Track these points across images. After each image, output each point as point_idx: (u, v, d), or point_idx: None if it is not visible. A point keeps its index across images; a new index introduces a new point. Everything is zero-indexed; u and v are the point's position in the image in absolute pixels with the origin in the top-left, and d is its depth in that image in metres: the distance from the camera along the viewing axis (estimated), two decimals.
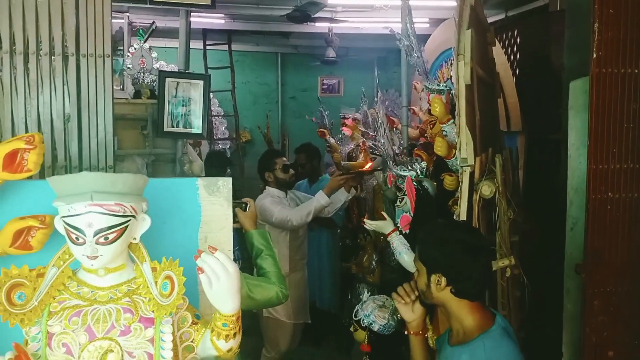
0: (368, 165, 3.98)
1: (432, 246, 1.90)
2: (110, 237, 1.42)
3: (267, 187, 4.17)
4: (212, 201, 1.79)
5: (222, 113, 7.31)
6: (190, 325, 1.54)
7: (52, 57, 2.06)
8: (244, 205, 2.44)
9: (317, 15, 4.72)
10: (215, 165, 5.79)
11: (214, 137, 7.11)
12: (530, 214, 3.62)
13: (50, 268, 1.48)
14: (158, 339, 1.45)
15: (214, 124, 7.14)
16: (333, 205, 4.05)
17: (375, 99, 3.43)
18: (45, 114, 2.07)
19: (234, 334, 1.48)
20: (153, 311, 1.46)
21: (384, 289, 3.95)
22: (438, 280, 1.86)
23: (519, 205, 3.32)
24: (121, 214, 1.43)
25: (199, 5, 4.02)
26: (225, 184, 1.80)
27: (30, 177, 1.60)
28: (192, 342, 1.54)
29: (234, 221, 2.38)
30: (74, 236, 1.41)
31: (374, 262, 4.28)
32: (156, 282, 1.48)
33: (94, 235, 1.41)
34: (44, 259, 1.52)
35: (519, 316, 2.94)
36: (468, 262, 1.83)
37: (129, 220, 1.46)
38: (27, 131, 2.05)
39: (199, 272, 1.42)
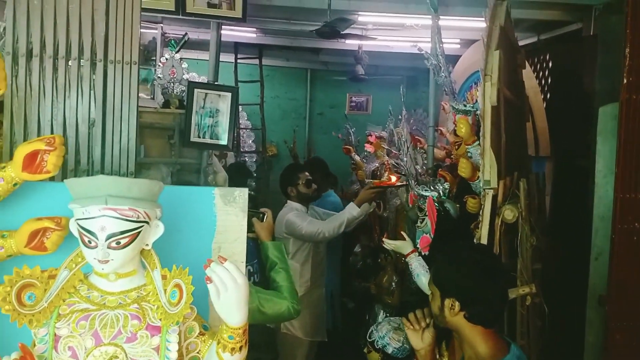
0: (395, 179, 3.95)
1: (445, 269, 1.86)
2: (122, 241, 1.42)
3: (288, 201, 4.17)
4: (228, 211, 1.78)
5: (250, 126, 7.36)
6: (197, 336, 1.53)
7: (81, 62, 2.09)
8: (261, 215, 2.42)
9: (347, 32, 4.72)
10: (235, 176, 5.83)
11: (241, 149, 7.15)
12: (555, 242, 3.54)
13: (62, 270, 1.49)
14: (164, 347, 1.44)
15: (241, 137, 7.18)
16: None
17: (394, 117, 3.40)
18: (70, 117, 2.09)
19: (240, 347, 1.46)
20: (160, 319, 1.45)
21: (402, 311, 3.88)
22: (452, 305, 1.82)
23: (544, 232, 3.24)
24: (134, 219, 1.44)
25: (230, 18, 4.06)
26: (241, 194, 1.80)
27: (52, 179, 1.62)
28: (198, 353, 1.52)
29: (250, 231, 2.37)
30: (86, 239, 1.42)
31: (393, 283, 4.21)
32: (165, 290, 1.47)
33: (106, 239, 1.41)
34: (58, 261, 1.52)
35: (539, 346, 2.86)
36: (482, 286, 1.78)
37: (142, 226, 1.46)
38: (52, 134, 2.07)
39: (207, 281, 1.40)
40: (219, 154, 5.28)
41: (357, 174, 5.23)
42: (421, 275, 2.77)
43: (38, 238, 1.54)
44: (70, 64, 2.08)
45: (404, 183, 3.60)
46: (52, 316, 1.44)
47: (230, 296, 1.41)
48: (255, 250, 2.66)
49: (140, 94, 5.54)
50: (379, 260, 4.37)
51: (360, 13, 4.89)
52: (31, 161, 1.49)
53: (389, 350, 2.66)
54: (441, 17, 4.22)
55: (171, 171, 4.01)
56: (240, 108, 7.14)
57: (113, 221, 1.41)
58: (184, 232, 1.75)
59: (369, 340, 2.74)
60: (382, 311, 3.02)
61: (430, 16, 3.74)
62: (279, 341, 4.03)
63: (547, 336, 2.78)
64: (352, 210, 3.91)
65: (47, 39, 2.06)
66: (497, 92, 2.61)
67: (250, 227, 2.37)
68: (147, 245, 1.51)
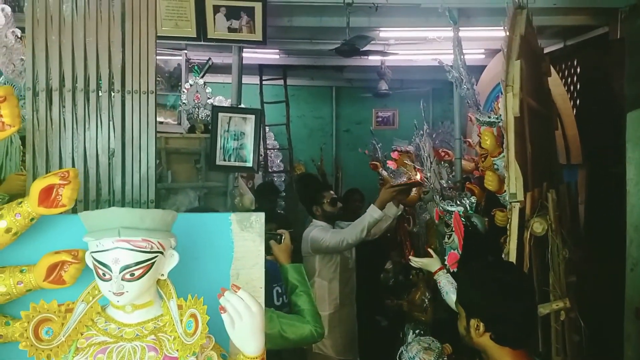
0: (418, 176, 3.85)
1: (468, 288, 1.81)
2: (137, 273, 1.42)
3: (313, 220, 4.15)
4: (245, 237, 1.77)
5: (278, 146, 7.39)
6: None
7: (99, 94, 2.12)
8: (278, 237, 2.39)
9: (368, 48, 4.71)
10: (264, 195, 5.85)
11: (269, 169, 7.18)
12: (590, 253, 3.43)
13: (79, 304, 1.49)
14: None
15: (269, 157, 7.22)
16: (383, 221, 3.95)
17: (419, 132, 3.36)
18: (91, 149, 2.12)
19: None
20: (177, 350, 1.44)
21: (436, 328, 3.81)
22: (477, 325, 1.76)
23: (578, 243, 3.14)
24: (148, 250, 1.43)
25: (251, 42, 4.11)
26: (258, 219, 1.78)
27: (73, 211, 1.63)
28: None
29: (269, 254, 2.35)
30: (100, 272, 1.42)
31: (426, 300, 4.14)
32: (182, 320, 1.46)
33: (120, 272, 1.40)
34: (77, 294, 1.53)
35: None
36: (506, 306, 1.72)
37: (156, 256, 1.45)
38: (73, 165, 2.10)
39: (222, 311, 1.39)
40: (246, 176, 5.32)
41: None
42: (450, 293, 2.71)
43: (57, 272, 1.55)
44: (89, 96, 2.11)
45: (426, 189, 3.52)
46: (70, 350, 1.44)
47: (246, 325, 1.39)
48: (278, 274, 2.64)
49: (167, 120, 5.66)
50: (411, 277, 4.30)
51: (381, 29, 4.89)
52: (47, 195, 1.50)
53: None
54: (464, 28, 4.20)
55: (198, 195, 4.05)
56: (267, 129, 7.19)
57: (126, 253, 1.41)
58: (201, 260, 1.74)
59: None
60: (411, 331, 2.94)
61: (451, 28, 3.72)
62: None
63: (586, 352, 2.68)
64: (373, 213, 3.84)
65: (66, 73, 2.10)
66: (520, 102, 2.55)
67: (269, 250, 2.35)
68: (162, 275, 1.50)
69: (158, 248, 1.45)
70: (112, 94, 2.13)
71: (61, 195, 1.51)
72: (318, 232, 3.93)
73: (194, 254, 1.72)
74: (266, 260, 2.52)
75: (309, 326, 2.21)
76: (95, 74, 2.11)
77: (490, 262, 2.30)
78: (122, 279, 1.41)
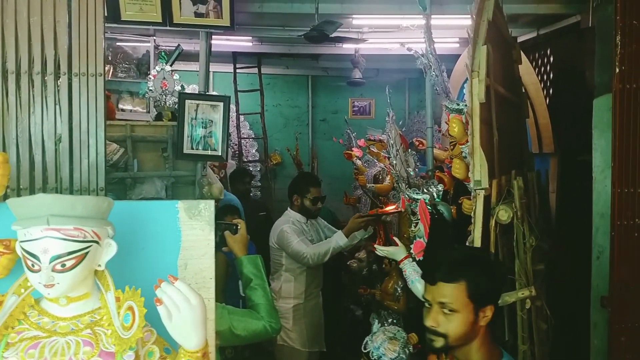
0: (391, 208, 3.82)
1: (478, 277, 1.69)
2: (68, 264, 1.33)
3: (289, 209, 4.08)
4: (193, 225, 1.69)
5: (253, 135, 7.30)
6: None
7: (45, 77, 2.02)
8: (234, 227, 2.31)
9: (342, 35, 4.64)
10: (239, 179, 5.78)
11: (244, 159, 7.10)
12: (560, 242, 3.41)
13: (9, 296, 1.40)
14: None
15: (244, 146, 7.13)
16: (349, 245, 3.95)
17: (387, 119, 3.30)
18: (36, 134, 2.03)
19: None
20: (114, 345, 1.36)
21: (410, 317, 3.77)
22: (485, 314, 1.69)
23: (547, 231, 3.11)
24: (81, 239, 1.35)
25: (218, 27, 4.00)
26: (207, 207, 1.70)
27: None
28: None
29: (224, 245, 2.26)
30: (29, 262, 1.33)
31: (399, 289, 4.10)
32: (119, 313, 1.38)
33: (50, 262, 1.32)
34: (6, 286, 1.44)
35: (545, 350, 2.73)
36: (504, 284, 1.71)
37: (90, 246, 1.37)
38: (18, 152, 2.00)
39: (157, 303, 1.31)
40: (218, 165, 5.23)
41: (359, 179, 5.13)
42: (416, 282, 2.67)
43: None
44: (33, 78, 2.01)
45: (399, 209, 3.49)
46: (0, 345, 1.35)
47: (184, 318, 1.31)
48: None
49: (136, 108, 5.54)
50: (384, 266, 4.26)
51: (353, 16, 4.82)
52: None
53: None
54: (436, 16, 4.14)
55: (165, 184, 3.96)
56: (242, 118, 7.10)
57: (57, 242, 1.32)
58: (147, 250, 1.66)
59: (364, 351, 2.64)
60: (376, 320, 2.90)
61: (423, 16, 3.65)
62: (277, 353, 3.94)
63: (553, 340, 2.65)
64: (340, 240, 3.83)
65: (9, 54, 2.00)
66: (486, 88, 2.50)
67: (224, 241, 2.27)
68: (99, 266, 1.42)
69: (92, 237, 1.37)
70: (59, 76, 2.03)
71: None
72: (289, 230, 3.86)
73: (139, 244, 1.64)
74: (227, 252, 2.46)
75: (262, 322, 2.13)
76: (40, 56, 2.02)
77: (468, 247, 2.25)
78: (52, 270, 1.32)
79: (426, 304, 1.73)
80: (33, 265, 1.33)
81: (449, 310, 1.67)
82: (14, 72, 2.00)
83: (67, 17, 2.03)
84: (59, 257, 1.32)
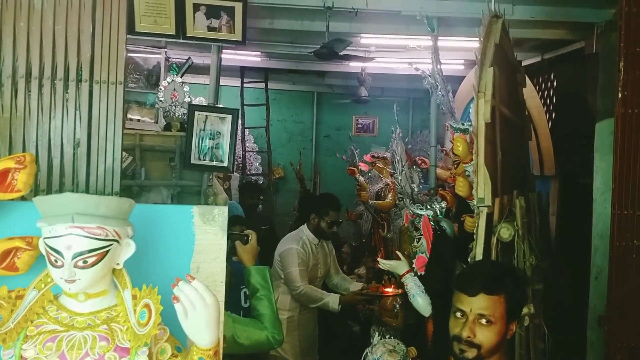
0: (391, 290, 3.87)
1: (520, 291, 1.76)
2: (90, 260, 1.39)
3: (305, 226, 4.08)
4: (207, 230, 1.75)
5: (257, 149, 7.38)
6: (169, 358, 1.47)
7: (66, 83, 2.09)
8: (245, 238, 2.36)
9: (349, 53, 4.72)
10: (248, 193, 5.82)
11: (248, 172, 7.17)
12: (560, 262, 3.46)
13: (30, 291, 1.45)
14: None
15: (248, 160, 7.20)
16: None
17: (393, 136, 3.37)
18: (55, 138, 2.09)
19: None
20: (129, 340, 1.41)
21: (408, 334, 3.80)
22: (511, 328, 1.73)
23: (546, 252, 3.16)
24: (103, 237, 1.40)
25: (230, 41, 4.09)
26: (220, 212, 1.76)
27: (24, 198, 1.60)
28: None
29: (234, 254, 2.31)
30: (53, 258, 1.38)
31: (397, 306, 4.13)
32: (135, 311, 1.43)
33: (73, 258, 1.37)
34: (27, 281, 1.49)
35: None
36: None
37: (111, 244, 1.42)
38: (37, 154, 2.07)
39: (174, 301, 1.36)
40: (223, 177, 5.29)
41: (361, 196, 5.19)
42: (417, 296, 2.72)
43: (10, 258, 1.52)
44: (55, 84, 2.08)
45: (399, 292, 3.55)
46: (19, 338, 1.40)
47: (199, 316, 1.36)
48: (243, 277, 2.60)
49: (144, 119, 5.61)
50: (382, 282, 4.30)
51: (361, 35, 4.91)
52: (1, 180, 1.47)
53: None
54: (443, 37, 4.23)
55: (172, 194, 4.01)
56: (247, 131, 7.18)
57: (80, 240, 1.37)
58: (161, 252, 1.71)
59: None
60: (377, 333, 2.93)
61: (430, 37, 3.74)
62: None
63: (549, 359, 2.69)
64: (333, 303, 3.87)
65: (33, 60, 2.07)
66: (492, 109, 2.57)
67: (234, 251, 2.31)
68: (118, 264, 1.47)
69: (113, 236, 1.43)
70: (80, 83, 2.10)
71: (16, 180, 1.48)
72: (295, 253, 3.86)
73: (154, 246, 1.69)
74: (234, 262, 2.50)
75: (265, 332, 2.15)
76: (63, 63, 2.09)
77: (501, 262, 2.27)
78: (74, 266, 1.37)
79: (457, 314, 1.73)
80: (56, 261, 1.38)
81: (486, 322, 1.68)
82: (37, 78, 2.07)
83: (90, 26, 2.11)
84: (81, 254, 1.38)
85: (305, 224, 4.09)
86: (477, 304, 1.69)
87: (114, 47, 2.13)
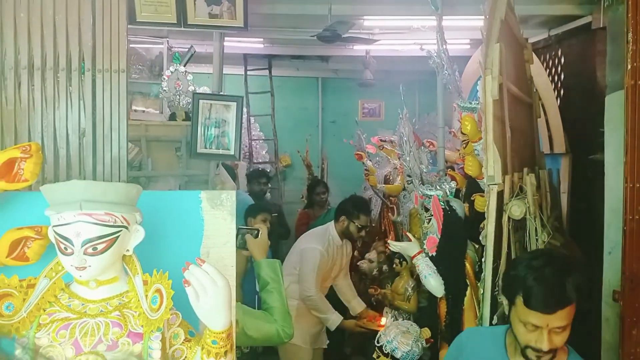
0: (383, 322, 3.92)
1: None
2: (99, 247, 1.38)
3: (334, 226, 4.07)
4: (215, 215, 1.74)
5: (263, 137, 7.35)
6: (182, 342, 1.48)
7: (69, 73, 2.08)
8: (255, 232, 2.35)
9: (353, 36, 4.68)
10: (256, 179, 5.81)
11: (254, 160, 7.15)
12: (572, 239, 3.43)
13: (41, 279, 1.45)
14: (146, 355, 1.40)
15: (254, 148, 7.19)
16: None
17: (400, 116, 3.34)
18: (61, 128, 2.09)
19: (225, 352, 1.40)
20: (142, 326, 1.41)
21: (420, 318, 3.79)
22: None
23: (559, 229, 3.14)
24: (111, 224, 1.40)
25: (232, 27, 4.05)
26: (228, 197, 1.75)
27: (31, 188, 1.60)
28: (184, 359, 1.47)
29: (245, 248, 2.30)
30: (62, 246, 1.38)
31: (409, 289, 4.13)
32: (147, 296, 1.43)
33: (82, 245, 1.37)
34: (38, 270, 1.49)
35: None
36: None
37: (120, 230, 1.42)
38: (43, 145, 2.06)
39: (185, 284, 1.36)
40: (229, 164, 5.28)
41: (369, 180, 5.17)
42: (429, 277, 2.70)
43: (20, 248, 1.51)
44: (58, 74, 2.07)
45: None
46: (32, 326, 1.40)
47: (211, 299, 1.36)
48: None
49: (149, 109, 5.60)
50: (394, 266, 4.29)
51: (365, 17, 4.86)
52: (8, 170, 1.46)
53: (398, 354, 2.59)
54: (448, 17, 4.17)
55: (179, 184, 4.01)
56: (252, 119, 7.15)
57: (89, 226, 1.37)
58: (171, 238, 1.71)
59: (377, 345, 2.68)
60: (389, 314, 2.93)
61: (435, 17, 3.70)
62: (280, 350, 3.96)
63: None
64: (333, 322, 3.94)
65: (35, 51, 2.06)
66: (499, 86, 2.54)
67: (244, 245, 2.31)
68: (127, 250, 1.47)
69: (122, 222, 1.42)
70: (83, 72, 2.09)
71: (23, 169, 1.48)
72: (317, 255, 3.87)
73: (163, 232, 1.68)
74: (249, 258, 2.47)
75: (275, 325, 2.14)
76: (65, 52, 2.08)
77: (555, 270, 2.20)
78: (84, 253, 1.37)
79: (528, 327, 1.68)
80: (66, 249, 1.38)
81: (562, 329, 1.67)
82: (39, 68, 2.06)
83: (91, 15, 2.10)
84: (90, 240, 1.37)
85: (333, 223, 4.09)
86: (554, 321, 1.65)
87: (115, 34, 2.12)
